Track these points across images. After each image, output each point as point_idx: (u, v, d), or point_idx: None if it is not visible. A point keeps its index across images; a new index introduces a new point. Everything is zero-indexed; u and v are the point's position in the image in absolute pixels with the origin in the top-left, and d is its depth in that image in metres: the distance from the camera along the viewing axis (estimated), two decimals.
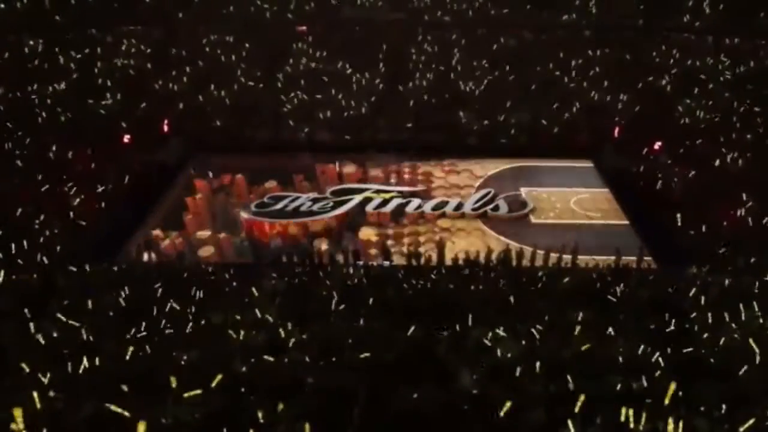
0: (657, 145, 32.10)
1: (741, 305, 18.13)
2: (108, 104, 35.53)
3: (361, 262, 24.96)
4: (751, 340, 15.58)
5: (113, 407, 12.12)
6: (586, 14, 45.36)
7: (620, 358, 15.29)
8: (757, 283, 20.28)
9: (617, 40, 42.93)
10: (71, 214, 26.28)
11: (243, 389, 13.77)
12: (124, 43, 41.53)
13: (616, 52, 41.71)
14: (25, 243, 22.82)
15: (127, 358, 15.00)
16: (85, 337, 16.18)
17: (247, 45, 41.83)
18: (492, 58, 41.22)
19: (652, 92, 37.97)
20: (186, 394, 12.89)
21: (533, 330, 16.78)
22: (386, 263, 25.02)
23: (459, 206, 29.46)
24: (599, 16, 45.25)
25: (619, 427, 12.17)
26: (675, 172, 30.47)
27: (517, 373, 14.26)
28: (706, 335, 16.67)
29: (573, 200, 30.28)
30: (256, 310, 18.01)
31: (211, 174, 31.32)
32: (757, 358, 15.14)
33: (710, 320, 17.54)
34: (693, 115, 35.40)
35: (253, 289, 19.72)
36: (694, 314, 18.04)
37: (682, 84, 38.28)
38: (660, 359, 15.16)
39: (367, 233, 27.87)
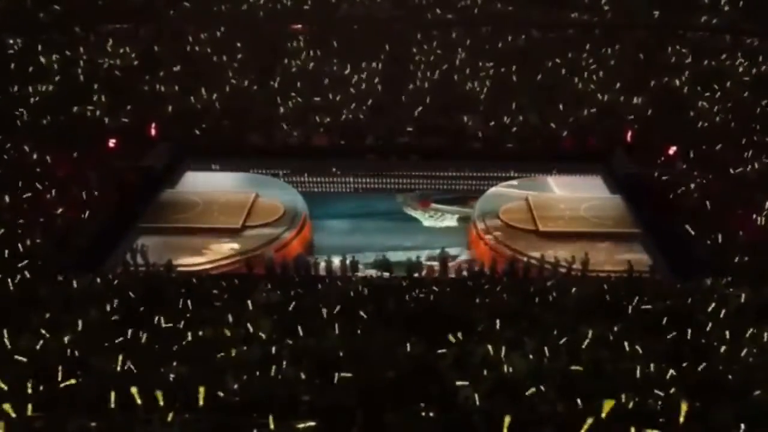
0: (671, 150, 32.18)
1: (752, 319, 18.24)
2: (92, 107, 35.66)
3: (360, 274, 25.07)
4: None
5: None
6: (597, 12, 45.60)
7: (633, 375, 15.36)
8: None
9: (630, 39, 43.13)
10: (54, 222, 26.34)
11: (234, 407, 13.85)
12: (110, 42, 41.72)
13: (628, 52, 41.88)
14: (5, 252, 22.99)
15: (113, 373, 15.08)
16: (68, 352, 16.25)
17: (239, 44, 42.02)
18: (497, 57, 41.40)
19: (667, 94, 38.12)
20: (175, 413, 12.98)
21: (542, 344, 16.85)
22: (386, 274, 25.08)
23: None
24: (611, 14, 45.50)
25: None
26: (691, 177, 30.55)
27: (525, 391, 14.32)
28: (723, 351, 16.73)
29: (583, 207, 30.35)
30: (249, 324, 18.08)
31: None
32: None
33: (728, 335, 17.59)
34: (710, 117, 35.53)
35: (248, 302, 19.81)
36: (711, 329, 18.10)
37: (698, 85, 38.44)
38: (675, 376, 15.23)
39: None
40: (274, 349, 16.61)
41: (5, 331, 16.94)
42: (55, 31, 42.18)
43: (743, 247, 24.98)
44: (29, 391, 14.13)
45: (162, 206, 30.16)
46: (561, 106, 36.64)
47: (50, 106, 34.95)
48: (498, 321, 18.30)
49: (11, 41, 40.72)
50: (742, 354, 16.48)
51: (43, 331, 17.17)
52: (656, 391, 14.34)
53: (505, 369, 15.51)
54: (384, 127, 35.64)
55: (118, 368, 15.35)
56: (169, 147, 33.59)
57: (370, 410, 13.59)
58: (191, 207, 30.02)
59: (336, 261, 25.79)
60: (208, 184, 32.42)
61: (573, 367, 15.62)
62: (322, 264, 25.66)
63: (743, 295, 20.34)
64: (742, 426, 13.17)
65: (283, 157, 34.31)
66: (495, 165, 34.04)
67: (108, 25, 43.40)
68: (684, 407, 12.94)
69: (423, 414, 13.47)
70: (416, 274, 24.94)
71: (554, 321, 18.62)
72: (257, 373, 15.25)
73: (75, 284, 21.45)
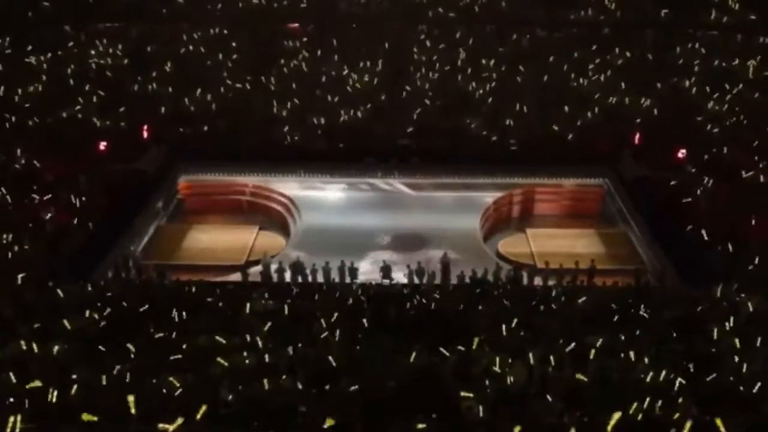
0: (680, 153, 32.28)
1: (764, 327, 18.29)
2: (82, 108, 35.76)
3: (359, 280, 25.16)
4: None
5: None
6: (604, 10, 45.80)
7: (641, 385, 15.43)
8: None
9: (638, 39, 43.32)
10: (43, 227, 26.42)
11: (230, 418, 13.92)
12: (101, 42, 41.87)
13: (636, 52, 42.06)
14: None
15: (105, 384, 15.15)
16: (58, 361, 16.31)
17: (234, 44, 42.19)
18: (501, 57, 41.56)
19: (676, 95, 38.27)
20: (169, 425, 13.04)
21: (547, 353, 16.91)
22: (386, 281, 25.19)
23: None
24: (618, 13, 45.69)
25: None
26: (700, 182, 30.65)
27: (529, 402, 14.39)
28: (733, 360, 16.79)
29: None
30: (245, 333, 18.16)
31: None
32: None
33: (739, 344, 17.66)
34: (720, 119, 35.66)
35: (244, 310, 19.87)
36: (721, 337, 18.17)
37: (708, 86, 38.58)
38: (684, 386, 15.30)
39: None
40: (270, 359, 16.69)
41: None
42: (44, 30, 42.36)
43: (755, 253, 25.06)
44: (18, 402, 14.19)
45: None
46: (566, 108, 36.75)
47: (39, 108, 35.10)
48: (501, 329, 18.39)
49: None
50: (753, 363, 16.53)
51: (32, 340, 17.22)
52: (665, 402, 14.40)
53: (509, 379, 15.58)
54: (383, 129, 35.76)
55: (110, 379, 15.40)
56: (161, 150, 33.67)
57: (370, 421, 13.65)
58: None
59: (334, 267, 25.89)
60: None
61: (579, 377, 15.70)
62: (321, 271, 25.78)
63: (755, 303, 20.42)
64: None
65: (280, 159, 34.41)
66: (497, 168, 34.13)
67: (99, 24, 43.67)
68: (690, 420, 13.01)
69: (425, 425, 13.52)
70: (417, 281, 25.06)
71: (560, 329, 18.69)
72: (253, 383, 15.31)
73: (65, 292, 21.53)
